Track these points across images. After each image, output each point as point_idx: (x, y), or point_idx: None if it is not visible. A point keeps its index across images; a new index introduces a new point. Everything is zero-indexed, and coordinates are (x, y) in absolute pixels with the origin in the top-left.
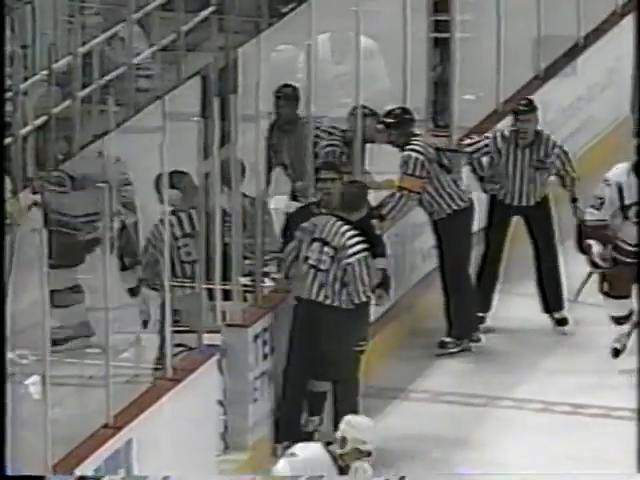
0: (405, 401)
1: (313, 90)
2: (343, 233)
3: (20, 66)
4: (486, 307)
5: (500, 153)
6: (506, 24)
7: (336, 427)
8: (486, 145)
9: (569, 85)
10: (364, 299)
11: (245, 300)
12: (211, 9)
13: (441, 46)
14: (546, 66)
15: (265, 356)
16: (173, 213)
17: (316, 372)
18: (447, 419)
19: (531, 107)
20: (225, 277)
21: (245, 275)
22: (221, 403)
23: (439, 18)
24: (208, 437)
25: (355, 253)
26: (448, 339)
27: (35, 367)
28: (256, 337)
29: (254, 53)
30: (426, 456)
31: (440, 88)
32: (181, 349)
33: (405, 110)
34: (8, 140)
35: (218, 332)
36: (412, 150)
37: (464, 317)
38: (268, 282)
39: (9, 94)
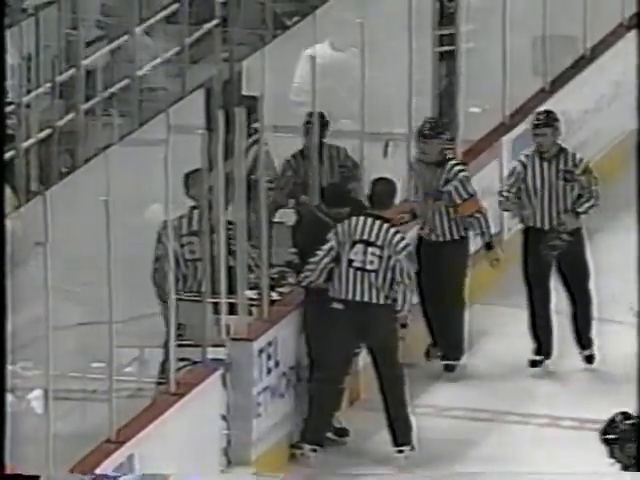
0: (411, 415)
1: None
2: (386, 230)
3: (23, 78)
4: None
5: (526, 168)
6: (512, 37)
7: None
8: (517, 172)
9: (576, 98)
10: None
11: (250, 314)
12: (215, 22)
13: (447, 59)
14: (552, 79)
15: (269, 370)
16: (194, 208)
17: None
18: (453, 434)
19: (546, 120)
20: (230, 290)
21: (250, 288)
22: (224, 418)
23: (444, 32)
24: (211, 452)
25: (403, 248)
26: (455, 362)
27: (37, 381)
28: (260, 351)
29: (258, 65)
30: (432, 469)
31: (446, 101)
32: (185, 363)
33: (438, 120)
34: (11, 153)
35: (222, 346)
36: (466, 169)
37: (462, 336)
38: (275, 295)
39: (12, 107)
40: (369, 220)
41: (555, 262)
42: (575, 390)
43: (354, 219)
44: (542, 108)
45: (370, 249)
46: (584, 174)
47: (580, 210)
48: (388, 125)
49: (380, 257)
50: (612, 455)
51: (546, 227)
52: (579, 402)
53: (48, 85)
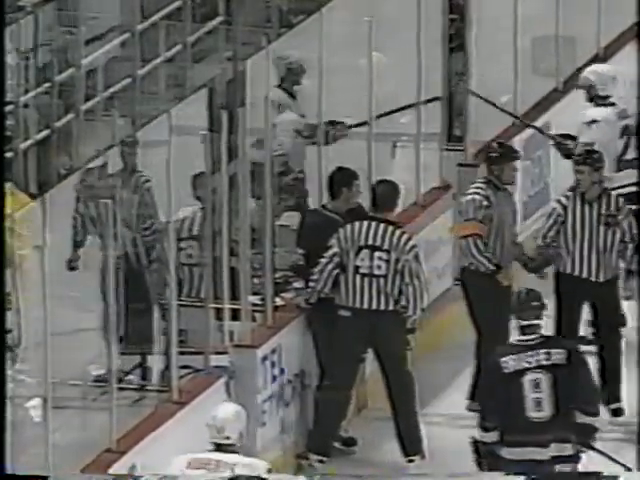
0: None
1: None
2: (392, 233)
3: (21, 78)
4: None
5: (566, 210)
6: (523, 36)
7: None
8: (556, 214)
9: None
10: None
11: (254, 320)
12: (219, 19)
13: (456, 58)
14: (565, 79)
15: (274, 378)
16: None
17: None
18: (462, 443)
19: (584, 158)
20: (233, 296)
21: (254, 294)
22: None
23: (453, 32)
24: None
25: (410, 249)
26: None
27: (36, 389)
28: (264, 359)
29: (263, 64)
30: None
31: (455, 100)
32: (187, 371)
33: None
34: (9, 154)
35: (225, 353)
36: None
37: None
38: (279, 301)
39: (10, 107)
40: (373, 224)
41: (590, 311)
42: None
43: (357, 224)
44: (555, 108)
45: (377, 254)
46: (627, 218)
47: (633, 267)
48: (396, 126)
49: (387, 261)
50: None
51: (584, 275)
52: None
53: (47, 85)
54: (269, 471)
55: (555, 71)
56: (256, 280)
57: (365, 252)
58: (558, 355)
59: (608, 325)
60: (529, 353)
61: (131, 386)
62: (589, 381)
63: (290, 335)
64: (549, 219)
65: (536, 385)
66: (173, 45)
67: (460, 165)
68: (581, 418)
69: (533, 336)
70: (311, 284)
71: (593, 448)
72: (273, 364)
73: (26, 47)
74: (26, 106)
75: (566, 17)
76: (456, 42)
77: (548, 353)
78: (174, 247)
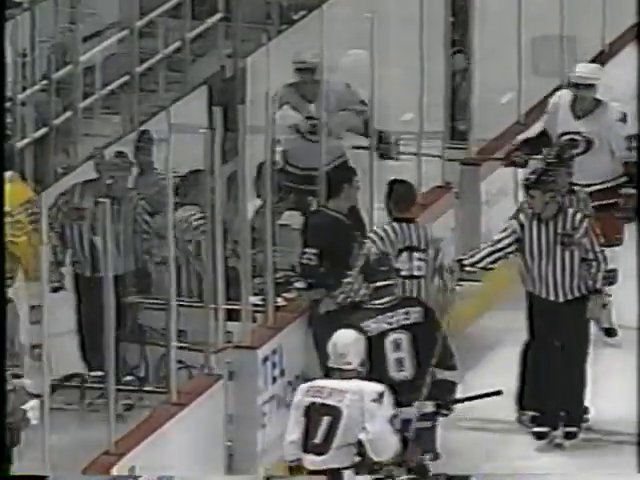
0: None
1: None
2: (424, 231)
3: (18, 75)
4: None
5: (523, 229)
6: (527, 32)
7: None
8: (513, 231)
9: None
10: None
11: (254, 320)
12: (219, 16)
13: (459, 55)
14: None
15: (274, 379)
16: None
17: None
18: (468, 445)
19: (534, 182)
20: (235, 296)
21: (255, 294)
22: (228, 429)
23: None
24: (214, 464)
25: (438, 242)
26: None
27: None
28: (265, 359)
29: (263, 61)
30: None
31: (459, 97)
32: (180, 366)
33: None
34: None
35: (216, 353)
36: None
37: None
38: (281, 301)
39: (7, 104)
40: (404, 225)
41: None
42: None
43: (389, 227)
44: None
45: (415, 254)
46: (586, 235)
47: (598, 286)
48: (398, 124)
49: (425, 260)
50: None
51: (543, 294)
52: None
53: (44, 82)
54: (380, 395)
55: (555, 71)
56: (257, 280)
57: (405, 255)
58: (416, 314)
59: (570, 347)
60: (389, 314)
61: (129, 387)
62: (444, 337)
63: (291, 336)
64: (507, 237)
65: (397, 345)
66: (172, 42)
67: (463, 164)
68: (441, 374)
69: (390, 298)
70: (345, 288)
71: (456, 400)
72: (274, 365)
73: (23, 44)
74: (23, 104)
75: (566, 17)
76: (459, 45)
77: (407, 312)
78: (174, 247)
